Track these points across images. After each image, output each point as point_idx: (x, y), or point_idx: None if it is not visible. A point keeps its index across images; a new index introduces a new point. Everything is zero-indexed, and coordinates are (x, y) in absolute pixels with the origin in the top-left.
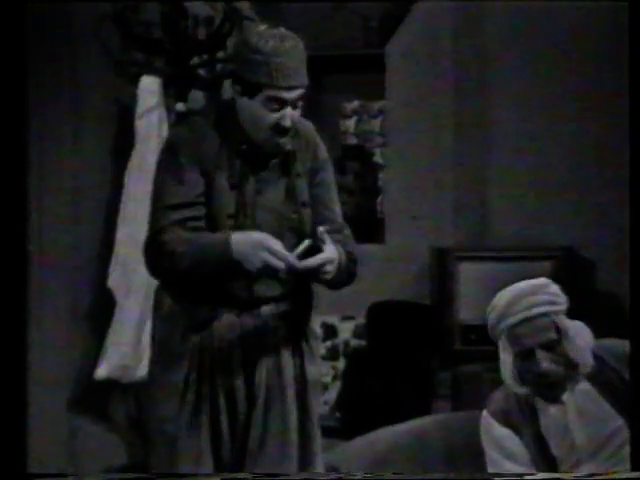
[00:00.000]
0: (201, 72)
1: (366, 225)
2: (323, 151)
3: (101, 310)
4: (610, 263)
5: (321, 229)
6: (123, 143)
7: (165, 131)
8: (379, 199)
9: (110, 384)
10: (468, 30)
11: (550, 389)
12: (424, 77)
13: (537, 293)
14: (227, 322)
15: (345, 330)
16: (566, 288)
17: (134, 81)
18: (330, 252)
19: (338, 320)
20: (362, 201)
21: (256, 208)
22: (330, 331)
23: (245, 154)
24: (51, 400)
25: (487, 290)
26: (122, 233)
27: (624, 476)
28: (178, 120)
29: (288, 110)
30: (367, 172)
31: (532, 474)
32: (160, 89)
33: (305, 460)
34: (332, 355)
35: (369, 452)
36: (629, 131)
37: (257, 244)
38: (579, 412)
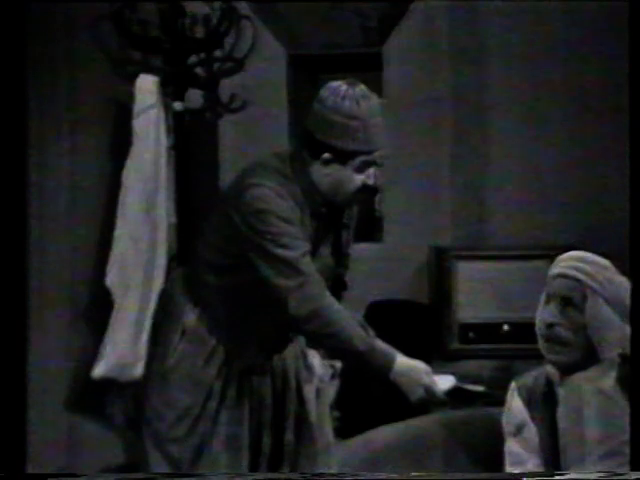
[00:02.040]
0: (199, 71)
1: (364, 224)
2: (356, 210)
3: (99, 309)
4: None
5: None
6: (120, 142)
7: (162, 130)
8: (377, 198)
9: (108, 383)
10: (465, 30)
11: (559, 354)
12: (421, 76)
13: (588, 263)
14: (256, 355)
15: None
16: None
17: (131, 80)
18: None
19: None
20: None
21: (314, 262)
22: None
23: (321, 215)
24: (49, 399)
25: (485, 289)
26: (120, 232)
27: (624, 476)
28: (254, 182)
29: (373, 169)
30: None
31: (533, 474)
32: (158, 88)
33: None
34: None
35: (367, 451)
36: (629, 131)
37: (417, 379)
38: (599, 409)
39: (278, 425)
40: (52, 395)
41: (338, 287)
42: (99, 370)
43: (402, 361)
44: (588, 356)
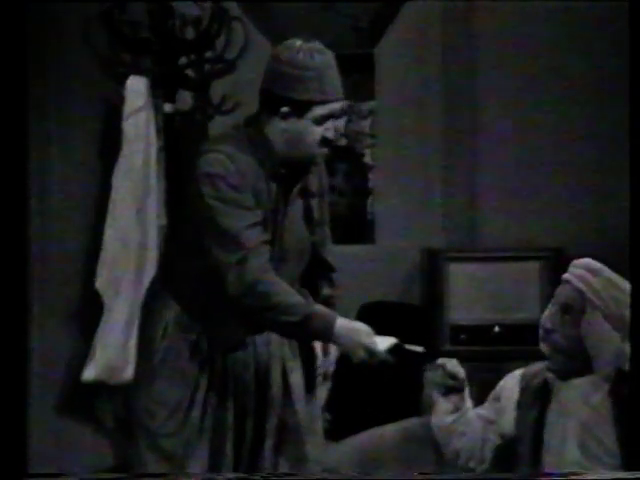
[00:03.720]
0: (189, 72)
1: (356, 226)
2: (325, 177)
3: (89, 312)
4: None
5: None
6: (110, 144)
7: (153, 132)
8: (369, 200)
9: (98, 386)
10: (458, 31)
11: (555, 360)
12: (414, 78)
13: (597, 276)
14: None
15: None
16: (555, 289)
17: (121, 81)
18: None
19: None
20: (352, 202)
21: (284, 231)
22: None
23: (281, 177)
24: (39, 401)
25: (477, 290)
26: (110, 234)
27: (624, 476)
28: (208, 148)
29: (332, 122)
30: (357, 173)
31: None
32: (148, 89)
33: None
34: (322, 355)
35: (358, 452)
36: (629, 132)
37: (358, 341)
38: (582, 421)
39: (261, 411)
40: (41, 397)
41: (324, 268)
42: (89, 373)
43: (342, 323)
44: (584, 366)
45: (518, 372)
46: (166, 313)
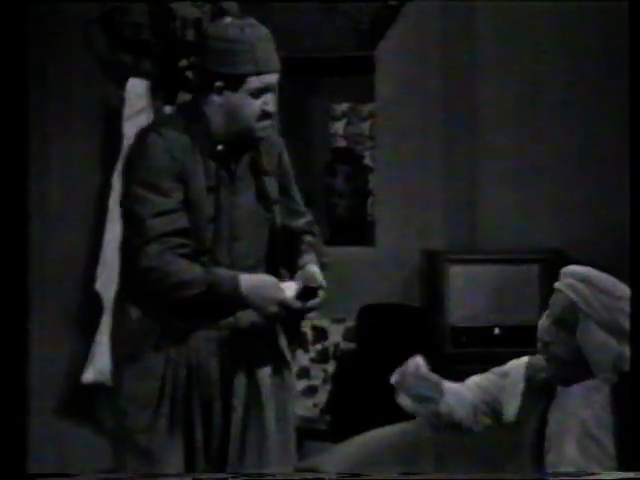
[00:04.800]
0: (189, 74)
1: (356, 228)
2: (287, 156)
3: (89, 313)
4: (599, 265)
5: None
6: (111, 146)
7: None
8: (369, 202)
9: (97, 388)
10: (458, 32)
11: (556, 370)
12: (414, 80)
13: (587, 284)
14: (204, 335)
15: (335, 333)
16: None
17: (122, 83)
18: (323, 283)
19: (328, 323)
20: (352, 204)
21: (233, 209)
22: (320, 334)
23: (219, 154)
24: (38, 404)
25: (477, 292)
26: (110, 236)
27: (624, 476)
28: (145, 128)
29: (269, 95)
30: (357, 174)
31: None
32: (148, 91)
33: (286, 461)
34: (322, 358)
35: (358, 454)
36: (629, 133)
37: (267, 295)
38: (585, 423)
39: (226, 406)
40: (40, 399)
41: (300, 235)
42: (89, 375)
43: (247, 279)
44: (585, 372)
45: (525, 358)
46: (132, 312)
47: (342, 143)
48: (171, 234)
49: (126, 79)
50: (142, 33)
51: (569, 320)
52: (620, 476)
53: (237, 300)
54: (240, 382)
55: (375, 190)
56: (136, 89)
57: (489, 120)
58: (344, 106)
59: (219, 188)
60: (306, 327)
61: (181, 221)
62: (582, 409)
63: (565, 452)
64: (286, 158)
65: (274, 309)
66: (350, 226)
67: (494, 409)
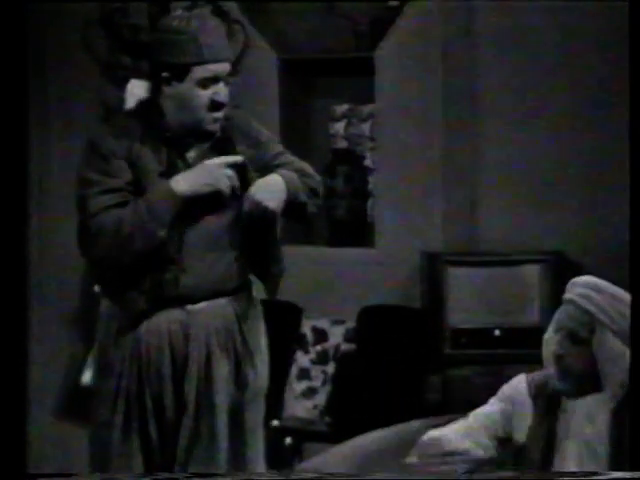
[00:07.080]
0: None
1: (356, 229)
2: (265, 135)
3: (88, 314)
4: (599, 267)
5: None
6: None
7: None
8: (369, 203)
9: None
10: (458, 33)
11: (571, 383)
12: (414, 81)
13: (601, 293)
14: (155, 329)
15: (335, 334)
16: (555, 293)
17: (121, 84)
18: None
19: (328, 324)
20: (352, 205)
21: None
22: (320, 335)
23: (170, 140)
24: (38, 402)
25: (477, 294)
26: None
27: (624, 476)
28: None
29: (220, 85)
30: (357, 175)
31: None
32: (147, 92)
33: (237, 467)
34: (322, 359)
35: (356, 455)
36: (629, 134)
37: (201, 180)
38: (586, 441)
39: (178, 401)
40: (39, 401)
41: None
42: (87, 377)
43: (177, 178)
44: (594, 385)
45: (522, 378)
46: (100, 308)
47: (342, 144)
48: (115, 207)
49: (126, 80)
50: (142, 34)
51: (584, 332)
52: (620, 476)
53: (178, 199)
54: (191, 378)
55: (375, 191)
56: (136, 90)
57: (489, 122)
58: (344, 107)
59: (171, 173)
60: (306, 328)
61: (127, 199)
62: (585, 428)
63: (564, 468)
64: (265, 137)
65: (217, 187)
66: (350, 227)
67: (506, 435)
